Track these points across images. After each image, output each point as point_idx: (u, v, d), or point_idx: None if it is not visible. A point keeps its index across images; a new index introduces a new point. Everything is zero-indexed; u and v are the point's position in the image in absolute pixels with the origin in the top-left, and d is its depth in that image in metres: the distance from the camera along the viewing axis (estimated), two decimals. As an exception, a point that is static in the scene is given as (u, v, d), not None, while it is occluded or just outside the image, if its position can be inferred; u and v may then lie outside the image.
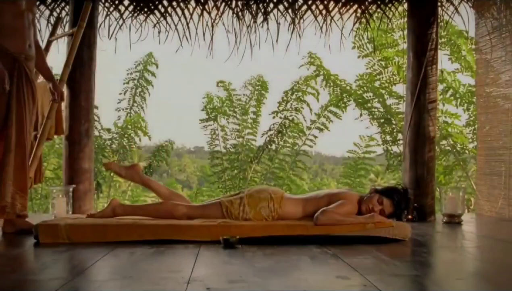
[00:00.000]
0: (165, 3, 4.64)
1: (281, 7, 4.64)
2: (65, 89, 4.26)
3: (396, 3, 4.69)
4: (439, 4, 4.49)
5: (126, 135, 7.38)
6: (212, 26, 4.66)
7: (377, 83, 6.89)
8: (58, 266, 2.21)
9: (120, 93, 7.54)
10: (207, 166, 7.91)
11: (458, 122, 6.67)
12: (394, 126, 6.74)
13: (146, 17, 4.65)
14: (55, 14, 4.62)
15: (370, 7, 4.70)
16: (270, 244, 2.73)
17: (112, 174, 7.48)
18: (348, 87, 6.95)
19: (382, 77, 6.80)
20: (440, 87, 6.39)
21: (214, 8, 4.63)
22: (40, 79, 4.82)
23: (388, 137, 6.83)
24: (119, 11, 4.64)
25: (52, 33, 4.26)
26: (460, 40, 6.53)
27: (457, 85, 6.65)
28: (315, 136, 7.24)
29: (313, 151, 8.14)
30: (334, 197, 3.09)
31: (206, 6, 4.61)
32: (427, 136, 4.32)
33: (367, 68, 6.84)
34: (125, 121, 7.41)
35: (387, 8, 4.70)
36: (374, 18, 4.80)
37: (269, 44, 4.67)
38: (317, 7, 4.67)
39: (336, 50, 5.24)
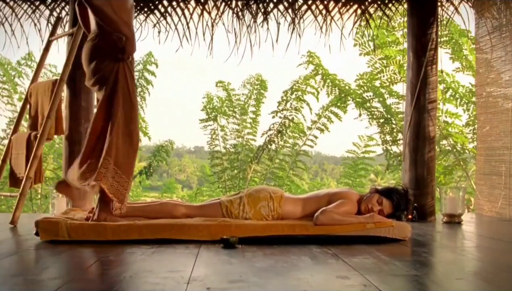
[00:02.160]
0: (165, 3, 4.65)
1: (281, 7, 4.65)
2: (65, 89, 4.27)
3: (396, 3, 4.69)
4: (439, 4, 4.49)
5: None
6: (212, 26, 4.66)
7: (377, 83, 6.89)
8: (58, 266, 2.21)
9: (120, 93, 7.53)
10: (207, 166, 7.92)
11: (459, 122, 6.68)
12: (394, 126, 6.74)
13: (146, 17, 4.65)
14: (55, 14, 4.63)
15: (370, 7, 4.70)
16: (270, 244, 2.73)
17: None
18: (347, 87, 6.94)
19: (383, 76, 6.79)
20: (440, 87, 6.39)
21: (214, 8, 4.63)
22: (40, 79, 4.82)
23: (388, 137, 6.83)
24: (119, 11, 4.63)
25: (52, 33, 4.26)
26: (462, 39, 6.52)
27: (456, 85, 6.65)
28: (316, 137, 7.24)
29: (313, 151, 8.15)
30: (334, 196, 3.08)
31: (206, 6, 4.62)
32: (427, 136, 4.32)
33: (368, 66, 6.83)
34: (125, 121, 7.40)
35: (387, 8, 4.70)
36: (374, 18, 4.80)
37: (269, 44, 4.68)
38: (317, 7, 4.67)
39: (336, 50, 5.24)
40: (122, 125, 2.91)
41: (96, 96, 3.12)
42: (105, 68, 2.90)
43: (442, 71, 6.02)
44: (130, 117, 2.94)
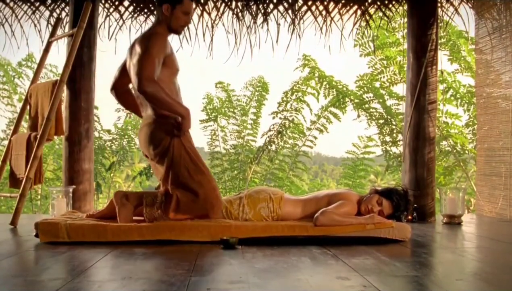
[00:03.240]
0: (165, 4, 4.64)
1: (281, 8, 4.65)
2: (65, 90, 4.27)
3: (396, 3, 4.69)
4: (439, 4, 4.49)
5: (126, 137, 7.39)
6: (212, 27, 4.66)
7: (377, 84, 6.88)
8: (58, 267, 2.21)
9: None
10: (207, 167, 7.91)
11: (459, 123, 6.68)
12: (393, 127, 6.73)
13: (146, 18, 4.65)
14: (55, 14, 4.63)
15: (370, 8, 4.70)
16: (270, 244, 2.73)
17: (112, 175, 7.49)
18: (344, 89, 6.93)
19: (383, 77, 6.79)
20: (441, 87, 6.38)
21: (214, 8, 4.63)
22: (41, 80, 4.82)
23: (387, 138, 6.82)
24: (119, 11, 4.64)
25: (52, 34, 4.27)
26: (460, 40, 6.53)
27: (457, 86, 6.64)
28: (315, 137, 7.24)
29: (313, 152, 8.14)
30: (334, 197, 3.08)
31: (206, 7, 4.62)
32: (427, 137, 4.32)
33: (368, 67, 6.83)
34: (125, 122, 7.41)
35: (387, 9, 4.70)
36: (374, 18, 4.80)
37: (269, 45, 4.68)
38: (317, 8, 4.67)
39: (336, 51, 5.24)
40: (185, 191, 2.96)
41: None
42: (163, 145, 2.98)
43: (442, 72, 6.03)
44: (189, 182, 2.97)
